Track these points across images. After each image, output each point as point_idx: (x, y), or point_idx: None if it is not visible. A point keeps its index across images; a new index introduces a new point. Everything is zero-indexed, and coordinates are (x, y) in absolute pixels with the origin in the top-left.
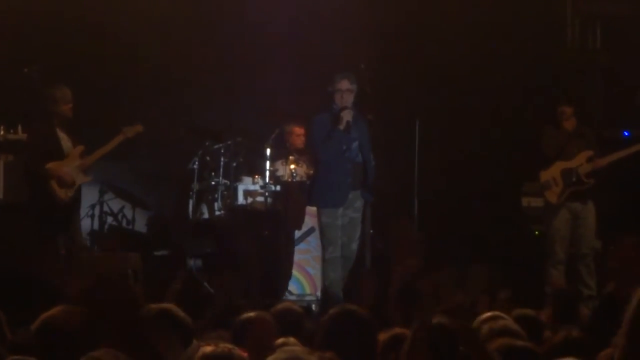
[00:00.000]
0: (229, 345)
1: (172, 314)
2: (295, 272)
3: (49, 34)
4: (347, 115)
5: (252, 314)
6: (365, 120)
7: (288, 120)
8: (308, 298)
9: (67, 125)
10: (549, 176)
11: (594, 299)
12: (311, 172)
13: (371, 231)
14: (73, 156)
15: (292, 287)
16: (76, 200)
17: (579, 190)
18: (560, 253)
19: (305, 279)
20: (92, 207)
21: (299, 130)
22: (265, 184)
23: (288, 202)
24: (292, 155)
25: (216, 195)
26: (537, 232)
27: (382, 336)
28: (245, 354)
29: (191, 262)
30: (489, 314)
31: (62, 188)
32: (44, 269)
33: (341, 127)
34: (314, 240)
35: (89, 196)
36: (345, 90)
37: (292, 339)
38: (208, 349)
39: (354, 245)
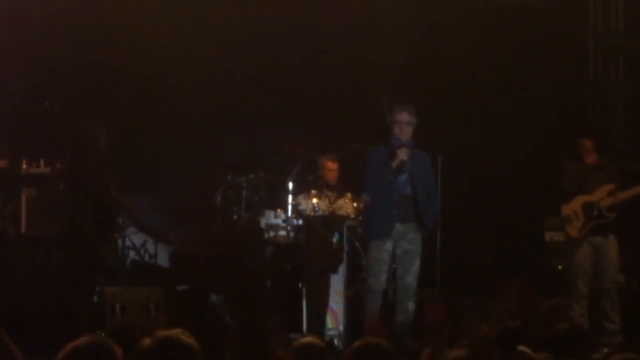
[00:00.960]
0: None
1: (175, 341)
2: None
3: (71, 69)
4: (402, 154)
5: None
6: (425, 155)
7: (323, 153)
8: (331, 332)
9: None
10: (570, 210)
11: (617, 334)
12: (333, 207)
13: (393, 266)
14: None
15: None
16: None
17: (600, 224)
18: (582, 288)
19: (328, 313)
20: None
21: (331, 166)
22: (288, 217)
23: (310, 236)
24: (315, 189)
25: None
26: (560, 267)
27: None
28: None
29: (214, 298)
30: None
31: None
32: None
33: (394, 164)
34: (335, 275)
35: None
36: (405, 122)
37: None
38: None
39: (410, 278)
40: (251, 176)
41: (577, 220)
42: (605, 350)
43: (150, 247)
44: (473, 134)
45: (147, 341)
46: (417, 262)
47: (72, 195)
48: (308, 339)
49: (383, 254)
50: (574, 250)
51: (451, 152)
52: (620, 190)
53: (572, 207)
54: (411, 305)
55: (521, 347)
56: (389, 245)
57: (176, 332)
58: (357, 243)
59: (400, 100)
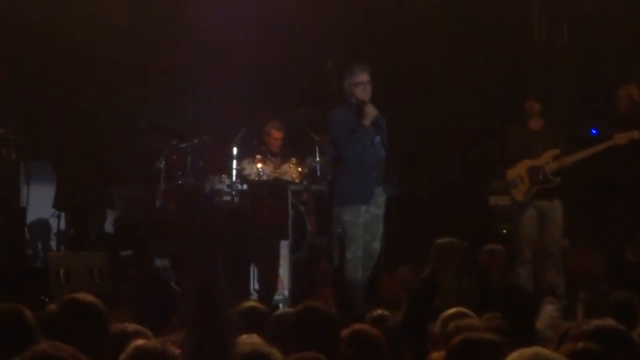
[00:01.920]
0: (162, 340)
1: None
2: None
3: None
4: (372, 111)
5: None
6: (382, 116)
7: (269, 121)
8: (276, 297)
9: None
10: (515, 174)
11: (561, 297)
12: (278, 171)
13: (338, 230)
14: None
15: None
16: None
17: (545, 188)
18: (527, 251)
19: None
20: (55, 207)
21: (276, 134)
22: (232, 182)
23: (255, 200)
24: (260, 154)
25: (183, 195)
26: (504, 231)
27: (344, 332)
28: (177, 350)
29: (158, 262)
30: (453, 310)
31: None
32: None
33: (366, 122)
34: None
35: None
36: (367, 82)
37: (255, 336)
38: (139, 342)
39: (377, 244)
40: (195, 141)
41: (523, 184)
42: None
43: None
44: (416, 96)
45: (52, 306)
46: (382, 227)
47: None
48: (251, 303)
49: (360, 217)
50: (519, 214)
51: (394, 116)
52: (566, 155)
53: (518, 171)
54: (371, 271)
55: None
56: (364, 209)
57: (80, 294)
58: (302, 208)
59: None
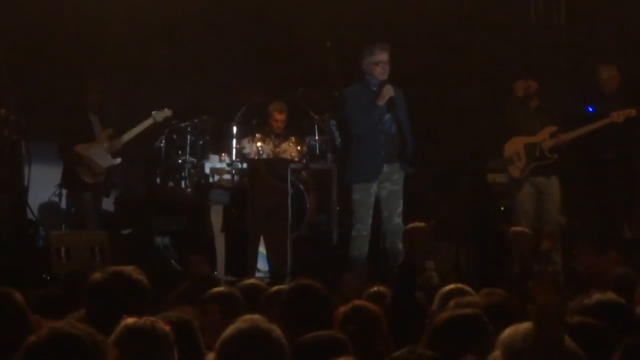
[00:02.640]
0: (152, 318)
1: (127, 276)
2: (262, 249)
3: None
4: (389, 91)
5: (222, 288)
6: (401, 92)
7: (269, 100)
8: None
9: (99, 112)
10: (512, 151)
11: (559, 274)
12: (277, 150)
13: (337, 208)
14: (101, 139)
15: (260, 264)
16: (104, 183)
17: (542, 165)
18: (525, 228)
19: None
20: (59, 186)
21: (279, 116)
22: (232, 161)
23: (255, 179)
24: (259, 133)
25: (183, 173)
26: (502, 208)
27: (343, 308)
28: (167, 327)
29: (159, 240)
30: (452, 286)
31: (90, 169)
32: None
33: (380, 103)
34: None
35: (56, 175)
36: (385, 61)
37: (257, 316)
38: (130, 320)
39: (397, 219)
40: (195, 120)
41: (520, 160)
42: None
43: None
44: (415, 75)
45: (98, 275)
46: (401, 202)
47: None
48: (250, 280)
49: (370, 197)
50: (516, 190)
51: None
52: (563, 132)
53: (515, 147)
54: (401, 247)
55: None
56: (374, 187)
57: (129, 268)
58: (301, 186)
59: (375, 41)
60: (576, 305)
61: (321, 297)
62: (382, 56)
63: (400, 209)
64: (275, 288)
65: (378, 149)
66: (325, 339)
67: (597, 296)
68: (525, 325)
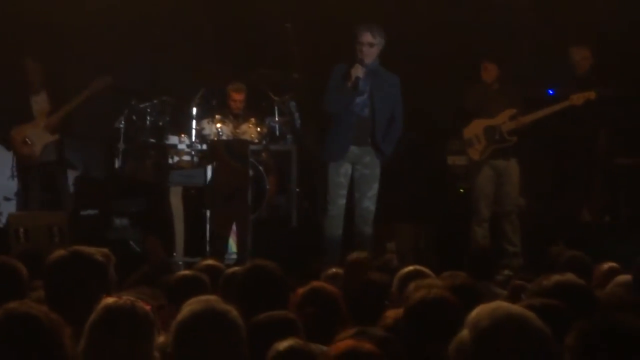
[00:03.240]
0: (132, 297)
1: (86, 255)
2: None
3: None
4: (355, 71)
5: (187, 272)
6: (392, 77)
7: (229, 82)
8: (234, 256)
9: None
10: (471, 133)
11: (518, 256)
12: (237, 131)
13: (297, 190)
14: (39, 118)
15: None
16: (56, 161)
17: (501, 148)
18: (484, 210)
19: (231, 237)
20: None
21: (236, 96)
22: (192, 142)
23: (214, 160)
24: (219, 114)
25: (143, 155)
26: (462, 190)
27: (301, 290)
28: (148, 307)
29: (118, 221)
30: (410, 267)
31: (25, 149)
32: None
33: (349, 83)
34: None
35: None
36: (366, 43)
37: (212, 297)
38: (110, 300)
39: (367, 202)
40: (155, 101)
41: (479, 143)
42: (506, 272)
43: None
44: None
45: (57, 253)
46: (374, 187)
47: None
48: (208, 260)
49: (340, 177)
50: (475, 173)
51: None
52: (522, 115)
53: (474, 130)
54: (368, 230)
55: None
56: (346, 168)
57: (89, 248)
58: (260, 167)
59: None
60: (535, 286)
61: (277, 278)
62: (364, 38)
63: (371, 192)
64: (232, 269)
65: (346, 129)
66: (275, 320)
67: (556, 277)
68: (492, 305)
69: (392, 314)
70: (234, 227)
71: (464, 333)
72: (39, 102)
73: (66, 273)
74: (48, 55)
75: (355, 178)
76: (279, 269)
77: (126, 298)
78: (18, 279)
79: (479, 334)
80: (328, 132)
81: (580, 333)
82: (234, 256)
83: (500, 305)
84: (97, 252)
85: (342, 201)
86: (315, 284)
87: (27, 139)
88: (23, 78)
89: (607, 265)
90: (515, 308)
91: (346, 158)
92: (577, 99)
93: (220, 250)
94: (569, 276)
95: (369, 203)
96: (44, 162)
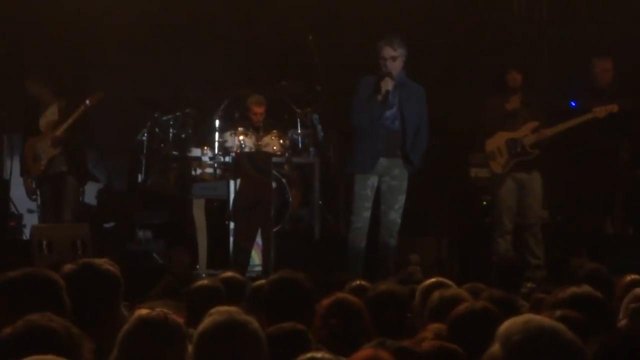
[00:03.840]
0: (165, 310)
1: (95, 267)
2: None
3: None
4: (386, 85)
5: (205, 281)
6: (418, 88)
7: (250, 94)
8: (257, 269)
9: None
10: (493, 146)
11: (541, 269)
12: (260, 143)
13: (320, 202)
14: (46, 131)
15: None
16: (66, 172)
17: (523, 161)
18: (507, 223)
19: (254, 249)
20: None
21: (257, 109)
22: (215, 155)
23: (237, 173)
24: (242, 126)
25: (166, 167)
26: (485, 203)
27: (325, 301)
28: (181, 319)
29: (141, 234)
30: (433, 279)
31: (34, 165)
32: None
33: (379, 97)
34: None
35: None
36: (389, 58)
37: (233, 308)
38: (143, 312)
39: (393, 215)
40: (178, 113)
41: (501, 156)
42: (529, 284)
43: None
44: None
45: (68, 266)
46: (401, 199)
47: None
48: (229, 273)
49: (367, 189)
50: (498, 186)
51: None
52: (544, 128)
53: (496, 143)
54: (392, 242)
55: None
56: (373, 180)
57: (100, 260)
58: (283, 180)
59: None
60: (552, 298)
61: (304, 290)
62: (386, 52)
63: (398, 205)
64: (259, 282)
65: (375, 142)
66: (285, 331)
67: (572, 289)
68: (523, 318)
69: (433, 327)
70: (257, 240)
71: (495, 347)
72: (48, 115)
73: (77, 285)
74: (70, 67)
75: (383, 190)
76: (307, 280)
77: (159, 310)
78: (56, 290)
79: (511, 348)
80: (355, 145)
81: (602, 345)
82: (257, 268)
83: (532, 318)
84: (105, 262)
85: (367, 214)
86: (340, 295)
87: (35, 154)
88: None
89: (629, 278)
90: (547, 321)
91: (374, 171)
92: (600, 111)
93: (243, 263)
94: (585, 288)
95: (395, 215)
96: (53, 174)
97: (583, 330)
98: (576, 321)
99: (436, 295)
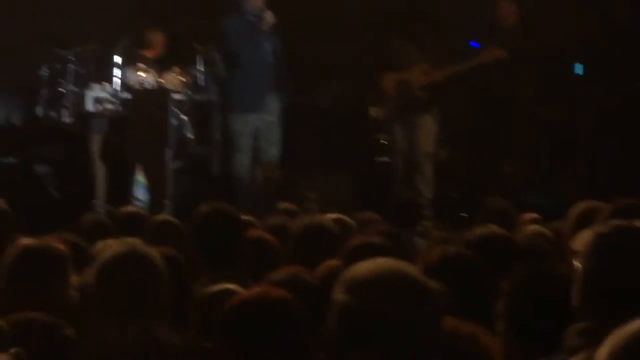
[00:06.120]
0: (47, 238)
1: None
2: (141, 178)
3: None
4: (270, 17)
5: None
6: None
7: (151, 29)
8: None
9: None
10: (385, 87)
11: (428, 207)
12: (160, 80)
13: (219, 140)
14: None
15: (139, 192)
16: None
17: (413, 102)
18: (400, 163)
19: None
20: None
21: (157, 43)
22: (115, 91)
23: (136, 109)
24: (142, 63)
25: (65, 103)
26: (382, 141)
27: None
28: (63, 246)
29: (39, 169)
30: (333, 216)
31: None
32: None
33: (265, 27)
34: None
35: None
36: None
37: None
38: (24, 241)
39: (273, 150)
40: (78, 49)
41: (392, 97)
42: (425, 222)
43: None
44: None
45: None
46: (278, 132)
47: None
48: (131, 208)
49: (248, 127)
50: (390, 127)
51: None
52: (437, 70)
53: (388, 84)
54: (276, 176)
55: None
56: (253, 117)
57: None
58: (183, 117)
59: None
60: (458, 239)
61: (233, 219)
62: None
63: (277, 138)
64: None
65: (260, 78)
66: None
67: (479, 230)
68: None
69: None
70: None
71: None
72: None
73: None
74: None
75: (260, 127)
76: (235, 211)
77: (41, 239)
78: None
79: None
80: (235, 83)
81: (516, 281)
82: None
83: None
84: None
85: (250, 151)
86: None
87: None
88: None
89: (529, 216)
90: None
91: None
92: (487, 56)
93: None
94: (492, 227)
95: (275, 150)
96: None
97: (478, 271)
98: (470, 261)
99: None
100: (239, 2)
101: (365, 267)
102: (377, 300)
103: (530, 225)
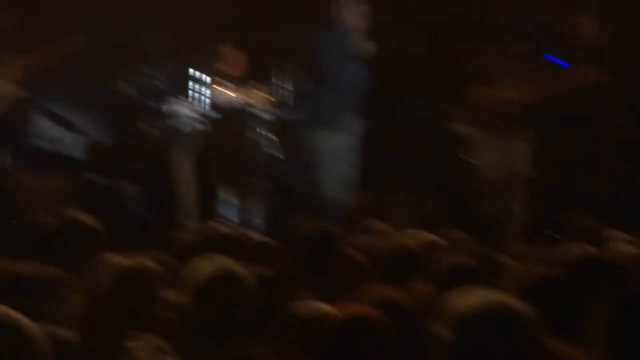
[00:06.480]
0: (141, 257)
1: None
2: (230, 196)
3: None
4: (371, 48)
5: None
6: None
7: (226, 43)
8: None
9: None
10: (478, 102)
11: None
12: (243, 96)
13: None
14: None
15: (227, 211)
16: None
17: (511, 120)
18: (489, 181)
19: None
20: None
21: (233, 58)
22: (203, 109)
23: (223, 126)
24: (221, 78)
25: (153, 119)
26: (470, 159)
27: None
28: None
29: (128, 187)
30: None
31: None
32: None
33: (359, 50)
34: None
35: None
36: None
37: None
38: (118, 259)
39: (352, 170)
40: (163, 66)
41: (487, 113)
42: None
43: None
44: None
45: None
46: (358, 153)
47: None
48: (217, 225)
49: (333, 143)
50: (479, 143)
51: None
52: (529, 87)
53: (483, 98)
54: None
55: None
56: (337, 135)
57: (81, 213)
58: (271, 136)
59: None
60: (547, 258)
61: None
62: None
63: (356, 160)
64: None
65: (345, 97)
66: None
67: (571, 249)
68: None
69: None
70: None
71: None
72: None
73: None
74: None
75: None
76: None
77: (136, 258)
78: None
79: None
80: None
81: (613, 305)
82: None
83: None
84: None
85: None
86: None
87: None
88: None
89: (616, 234)
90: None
91: None
92: (583, 78)
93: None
94: (585, 248)
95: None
96: None
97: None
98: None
99: None
100: (334, 17)
101: (468, 301)
102: (487, 342)
103: (619, 244)
